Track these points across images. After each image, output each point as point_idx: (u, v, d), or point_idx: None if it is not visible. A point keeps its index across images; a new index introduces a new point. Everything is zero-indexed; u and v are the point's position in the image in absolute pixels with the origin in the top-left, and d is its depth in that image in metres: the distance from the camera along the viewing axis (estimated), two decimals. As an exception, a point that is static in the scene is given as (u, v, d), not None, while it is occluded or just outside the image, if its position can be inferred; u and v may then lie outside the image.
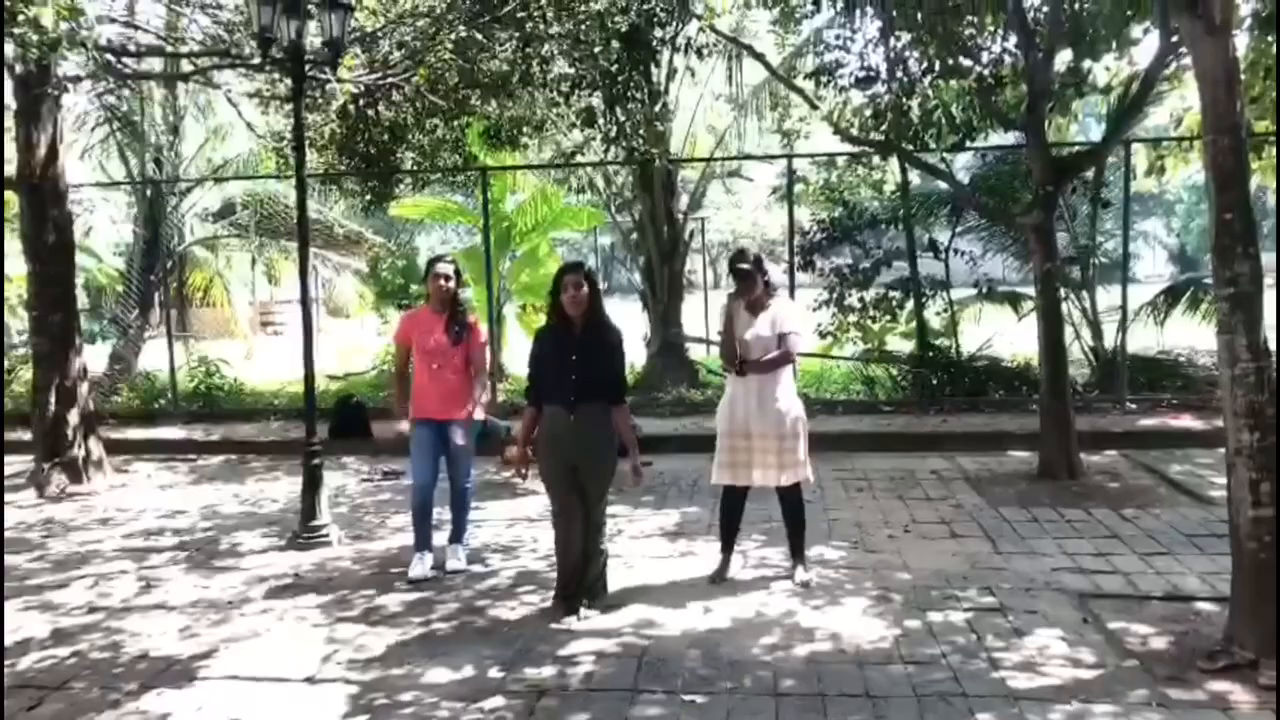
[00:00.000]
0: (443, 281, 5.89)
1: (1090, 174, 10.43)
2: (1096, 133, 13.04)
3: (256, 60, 7.44)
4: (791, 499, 5.52)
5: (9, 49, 7.29)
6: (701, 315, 14.66)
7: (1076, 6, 7.90)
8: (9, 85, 8.48)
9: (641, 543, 6.40)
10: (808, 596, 5.25)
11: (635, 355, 12.44)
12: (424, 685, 4.25)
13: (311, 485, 6.69)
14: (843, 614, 4.98)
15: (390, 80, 9.47)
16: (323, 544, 6.54)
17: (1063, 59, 8.39)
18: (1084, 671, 4.20)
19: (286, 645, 4.83)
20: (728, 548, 5.64)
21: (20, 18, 7.09)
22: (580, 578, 5.06)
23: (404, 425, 5.90)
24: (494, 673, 4.32)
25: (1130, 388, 10.51)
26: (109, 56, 9.12)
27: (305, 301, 7.16)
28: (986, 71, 8.21)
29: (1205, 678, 4.07)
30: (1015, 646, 4.49)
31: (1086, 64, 8.32)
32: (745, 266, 5.34)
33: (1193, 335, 11.44)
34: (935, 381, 11.20)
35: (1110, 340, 10.94)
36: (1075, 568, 5.60)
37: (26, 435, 9.15)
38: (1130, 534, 6.24)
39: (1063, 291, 10.53)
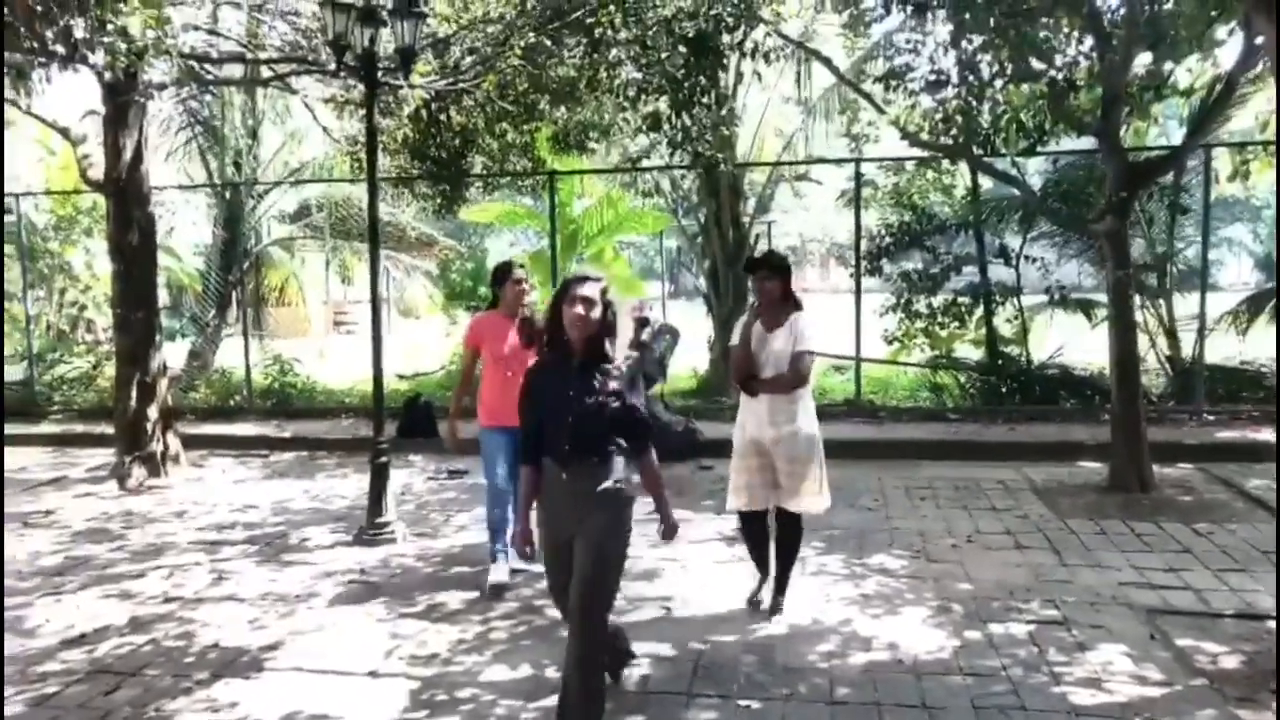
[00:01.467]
0: (525, 286, 5.79)
1: (1168, 179, 10.17)
2: (1178, 136, 12.69)
3: (332, 67, 7.61)
4: (791, 527, 5.08)
5: (99, 57, 7.59)
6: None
7: (1155, 7, 7.71)
8: (99, 92, 8.80)
9: (700, 547, 6.40)
10: (866, 605, 5.22)
11: (699, 359, 12.54)
12: (482, 683, 4.32)
13: (378, 483, 6.84)
14: (901, 623, 4.94)
15: (461, 86, 9.62)
16: (388, 541, 6.68)
17: (1142, 61, 8.20)
18: (1150, 689, 4.12)
19: (350, 639, 4.95)
20: (763, 569, 5.26)
21: (109, 27, 7.38)
22: (561, 712, 3.67)
23: (450, 434, 6.01)
24: (551, 672, 4.37)
25: (1209, 399, 10.22)
26: (192, 63, 9.44)
27: (375, 303, 7.32)
28: (1060, 75, 8.05)
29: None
30: (1078, 661, 4.42)
31: (1167, 66, 8.11)
32: (763, 270, 4.92)
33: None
34: (1004, 390, 11.02)
35: (1188, 350, 10.65)
36: (1144, 582, 5.48)
37: (109, 429, 9.47)
38: (1203, 549, 6.08)
39: (1138, 299, 10.32)
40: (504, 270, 5.88)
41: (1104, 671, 4.30)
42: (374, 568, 6.16)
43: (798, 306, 4.95)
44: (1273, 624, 4.77)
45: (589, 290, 3.63)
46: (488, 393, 5.74)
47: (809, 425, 4.93)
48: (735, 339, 5.02)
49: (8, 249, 13.90)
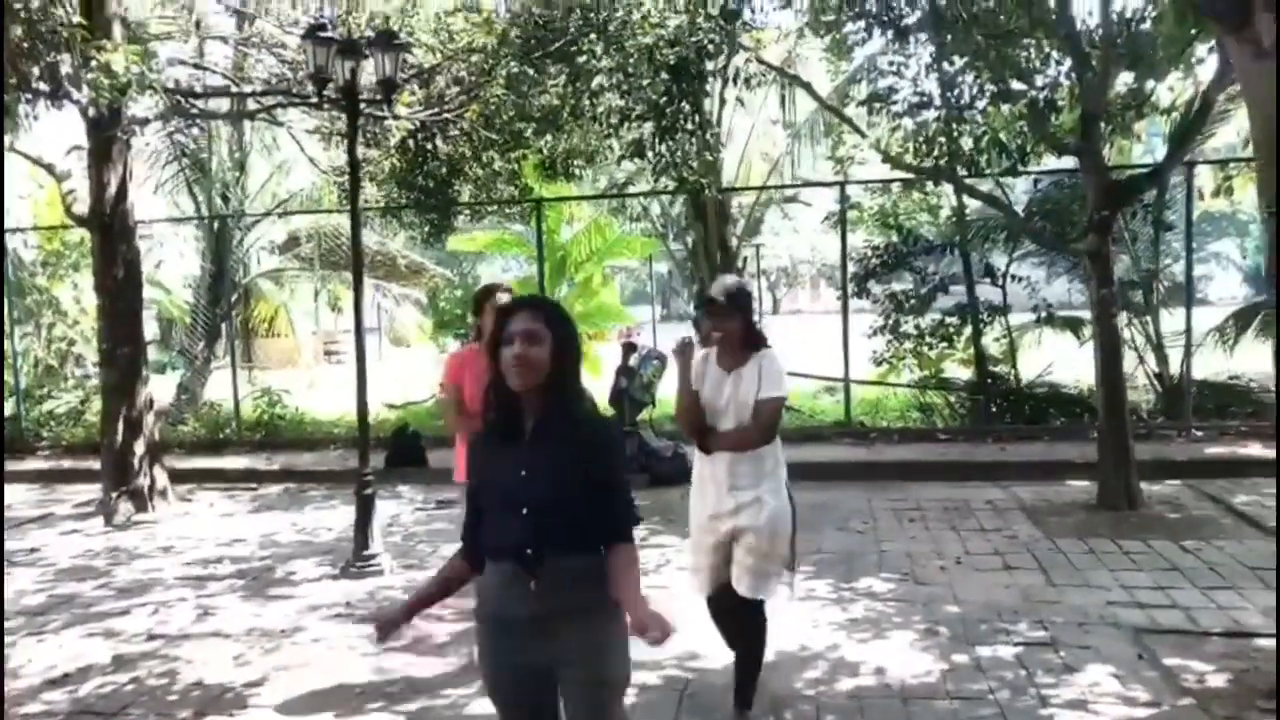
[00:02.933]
0: None
1: (1152, 196, 10.22)
2: (1164, 153, 12.81)
3: (315, 99, 7.65)
4: (749, 619, 4.09)
5: (83, 93, 7.61)
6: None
7: (1133, 27, 7.78)
8: (83, 128, 8.82)
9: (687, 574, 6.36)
10: (853, 629, 5.20)
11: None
12: (468, 716, 4.29)
13: (364, 515, 6.80)
14: (889, 647, 4.92)
15: (446, 115, 9.68)
16: (374, 573, 6.64)
17: (1124, 80, 8.27)
18: (1137, 710, 4.10)
19: (335, 674, 4.91)
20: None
21: (93, 63, 7.42)
22: None
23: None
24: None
25: (1197, 414, 10.23)
26: (178, 97, 9.48)
27: (359, 333, 7.32)
28: (1040, 95, 8.12)
29: (1265, 717, 3.94)
30: (1066, 683, 4.40)
31: (1149, 84, 8.18)
32: (717, 307, 3.92)
33: (1265, 359, 11.11)
34: (994, 409, 11.04)
35: (1176, 365, 10.67)
36: (1131, 601, 5.46)
37: (97, 464, 9.42)
38: (1191, 566, 6.07)
39: (1125, 316, 10.34)
40: (483, 295, 5.12)
41: (1091, 693, 4.28)
42: (360, 601, 6.12)
43: (763, 344, 4.01)
44: (1260, 641, 4.76)
45: (529, 321, 2.54)
46: (461, 441, 4.96)
47: (776, 493, 3.95)
48: (673, 380, 4.07)
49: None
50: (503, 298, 4.64)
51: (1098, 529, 7.02)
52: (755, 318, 4.14)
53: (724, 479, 3.94)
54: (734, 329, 3.94)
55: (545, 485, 2.53)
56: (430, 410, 13.30)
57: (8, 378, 13.15)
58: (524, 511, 2.53)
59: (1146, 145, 13.76)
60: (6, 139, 9.73)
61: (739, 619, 4.08)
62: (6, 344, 13.08)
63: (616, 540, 2.59)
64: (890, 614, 5.43)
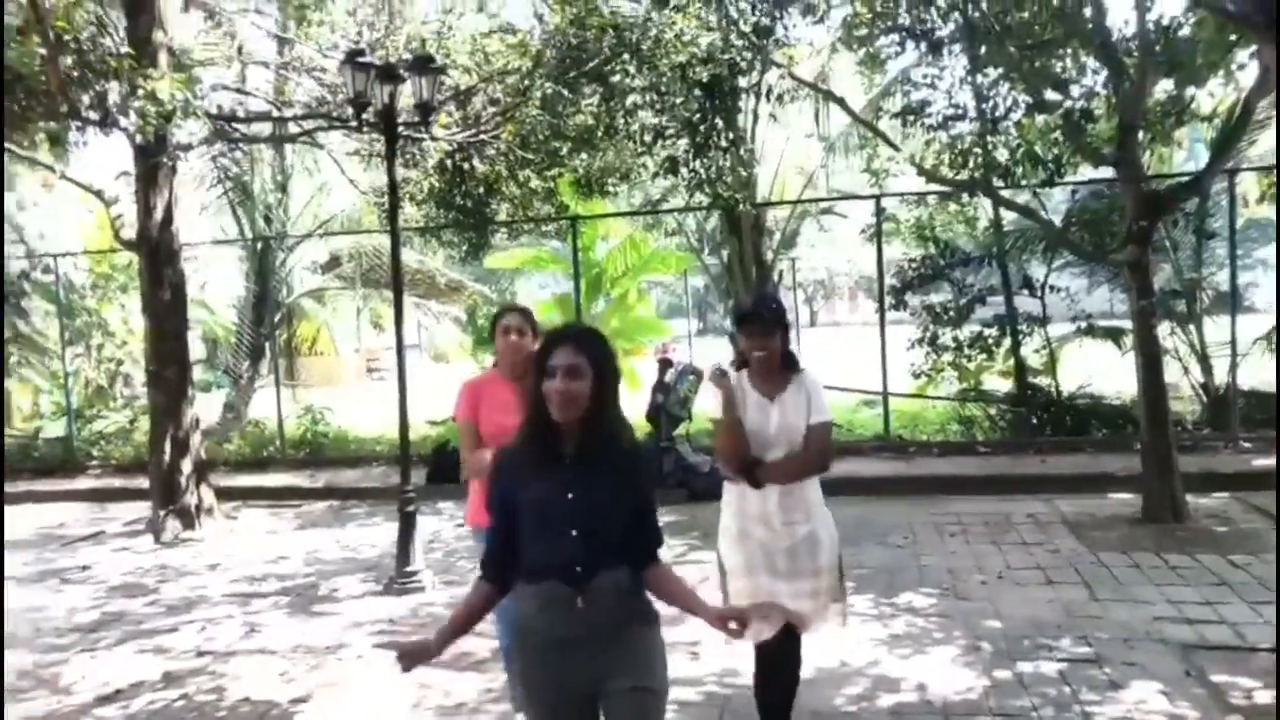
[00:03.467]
0: (514, 336, 4.23)
1: (1194, 204, 10.10)
2: (1207, 160, 12.65)
3: (355, 123, 7.79)
4: (794, 652, 3.86)
5: (130, 121, 7.81)
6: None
7: (1170, 35, 7.72)
8: (130, 154, 9.03)
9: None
10: (894, 645, 5.18)
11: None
12: (508, 732, 4.33)
13: (406, 532, 6.89)
14: (929, 663, 4.90)
15: (482, 136, 9.81)
16: (416, 590, 6.72)
17: (1163, 87, 8.20)
18: (1183, 728, 4.05)
19: (378, 691, 4.98)
20: None
21: (140, 91, 7.62)
22: None
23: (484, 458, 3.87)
24: None
25: (1244, 425, 10.06)
26: (221, 122, 9.69)
27: (400, 351, 7.44)
28: (1077, 106, 8.08)
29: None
30: (1111, 700, 4.36)
31: (1189, 91, 8.10)
32: (758, 323, 3.63)
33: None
34: (1034, 421, 10.93)
35: (1222, 375, 10.51)
36: (1179, 617, 5.39)
37: (145, 483, 9.61)
38: (1240, 581, 5.97)
39: (1168, 326, 10.22)
40: (495, 318, 4.49)
41: (1137, 710, 4.24)
42: (403, 617, 6.20)
43: (798, 367, 3.75)
44: (1310, 657, 4.69)
45: (572, 355, 2.60)
46: (475, 481, 4.32)
47: (828, 523, 3.76)
48: (715, 409, 3.67)
49: (48, 308, 14.24)
50: (512, 319, 4.24)
51: (1142, 543, 6.93)
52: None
53: (775, 514, 3.63)
54: (775, 348, 3.64)
55: (593, 508, 2.61)
56: (470, 427, 13.41)
57: (59, 398, 13.46)
58: (573, 533, 2.60)
59: (1189, 152, 13.61)
60: (57, 167, 9.99)
61: (786, 655, 3.81)
62: (58, 364, 13.39)
63: (653, 558, 2.72)
64: (931, 629, 5.41)
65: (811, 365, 3.79)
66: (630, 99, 8.61)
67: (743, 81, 8.84)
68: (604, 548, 2.61)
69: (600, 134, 9.17)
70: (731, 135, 9.27)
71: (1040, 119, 8.23)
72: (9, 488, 11.66)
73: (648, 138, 8.81)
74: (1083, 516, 7.82)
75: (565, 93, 8.74)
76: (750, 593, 3.64)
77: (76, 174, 10.04)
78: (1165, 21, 7.61)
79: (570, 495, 2.60)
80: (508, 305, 4.60)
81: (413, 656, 2.68)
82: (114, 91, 8.51)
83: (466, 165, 10.53)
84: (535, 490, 2.64)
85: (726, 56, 8.35)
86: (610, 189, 10.74)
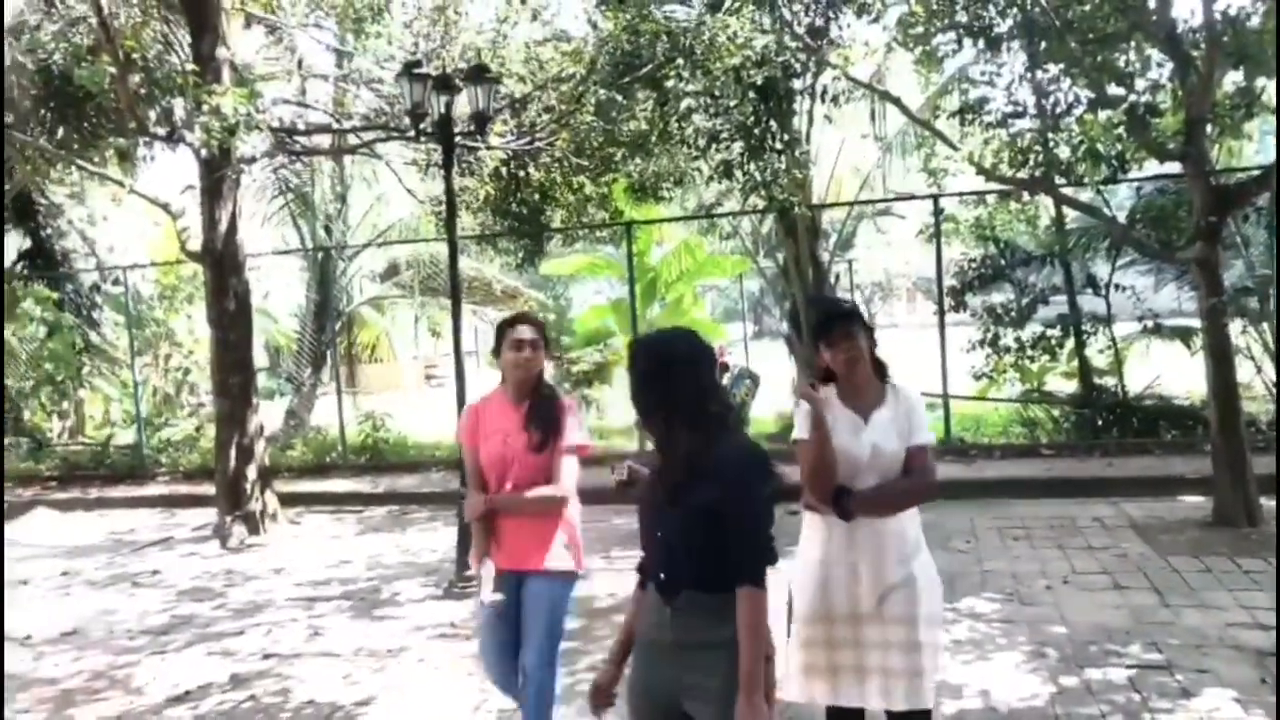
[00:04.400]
0: (527, 352, 3.70)
1: (1266, 199, 9.81)
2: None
3: (412, 134, 7.89)
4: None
5: (196, 135, 8.01)
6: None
7: (1239, 25, 7.51)
8: (196, 168, 9.25)
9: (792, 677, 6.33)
10: (957, 651, 5.10)
11: (783, 401, 12.46)
12: (568, 735, 4.34)
13: (466, 536, 6.95)
14: (993, 670, 4.82)
15: (537, 144, 9.88)
16: (476, 593, 6.75)
17: (1232, 79, 7.99)
18: (1259, 737, 3.93)
19: (440, 693, 5.03)
20: None
21: (205, 107, 7.80)
22: None
23: (484, 575, 3.80)
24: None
25: (1322, 425, 9.75)
26: (282, 135, 9.89)
27: (458, 357, 7.53)
28: (1141, 100, 7.90)
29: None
30: (1182, 708, 4.25)
31: (1259, 82, 7.88)
32: (843, 326, 3.15)
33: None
34: (1100, 423, 10.71)
35: (1297, 375, 10.20)
36: (1253, 623, 5.24)
37: (212, 489, 9.82)
38: (1317, 586, 5.79)
39: (1240, 324, 9.94)
40: (501, 329, 3.85)
41: (1210, 718, 4.12)
42: (463, 620, 6.25)
43: (887, 373, 3.26)
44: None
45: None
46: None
47: (929, 566, 3.20)
48: (801, 429, 3.15)
49: (118, 319, 14.63)
50: (524, 332, 3.70)
51: (1214, 547, 6.74)
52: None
53: (869, 554, 3.09)
54: (862, 352, 3.14)
55: (677, 518, 2.59)
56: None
57: (129, 406, 13.81)
58: (666, 544, 2.63)
59: (1259, 145, 13.24)
60: (126, 182, 10.26)
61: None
62: (128, 374, 13.74)
63: (739, 582, 2.52)
64: (995, 635, 5.32)
65: (906, 381, 3.28)
66: (684, 103, 8.60)
67: (797, 83, 8.80)
68: (690, 561, 2.57)
69: (654, 139, 9.18)
70: (786, 138, 9.21)
71: (1103, 114, 8.04)
72: (82, 494, 12.01)
73: (702, 142, 8.79)
74: (1151, 520, 7.64)
75: (619, 98, 8.76)
76: (825, 641, 3.13)
77: (144, 188, 10.32)
78: (1233, 12, 7.41)
79: (671, 506, 2.60)
80: (518, 314, 3.97)
81: (600, 696, 2.78)
82: (179, 107, 8.74)
83: (522, 173, 10.62)
84: (651, 493, 2.70)
85: (780, 59, 8.31)
86: (665, 194, 10.75)
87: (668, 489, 2.60)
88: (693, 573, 2.57)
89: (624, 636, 2.78)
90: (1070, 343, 11.05)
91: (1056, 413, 11.25)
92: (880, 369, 3.22)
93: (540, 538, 3.73)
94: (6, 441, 12.76)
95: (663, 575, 2.61)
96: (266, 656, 5.80)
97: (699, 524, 2.53)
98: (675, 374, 2.63)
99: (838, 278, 13.58)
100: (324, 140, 11.96)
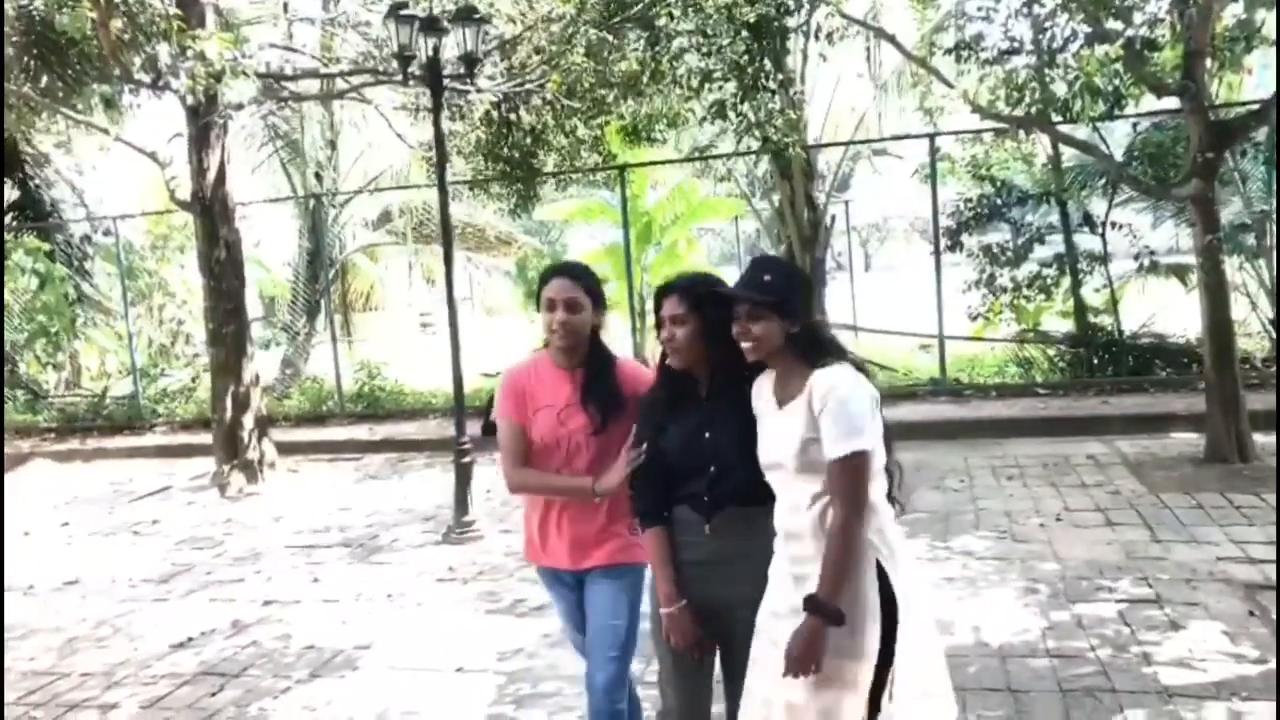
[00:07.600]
0: (561, 314, 3.02)
1: (1264, 134, 9.73)
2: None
3: (400, 77, 7.77)
4: None
5: (181, 82, 7.88)
6: (849, 300, 14.51)
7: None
8: (182, 115, 9.13)
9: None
10: (949, 588, 5.15)
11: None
12: (565, 676, 4.39)
13: (463, 483, 6.99)
14: (986, 606, 4.87)
15: (528, 86, 9.74)
16: (474, 539, 6.83)
17: (1232, 11, 7.87)
18: (1246, 667, 3.99)
19: (438, 637, 5.08)
20: None
21: (189, 52, 7.67)
22: None
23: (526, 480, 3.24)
24: (636, 665, 4.42)
25: (1316, 361, 9.76)
26: (269, 81, 9.74)
27: (451, 305, 7.49)
28: (1139, 34, 7.78)
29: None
30: (1171, 640, 4.30)
31: (1260, 15, 7.76)
32: (751, 295, 2.57)
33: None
34: (1095, 362, 10.72)
35: (1292, 311, 10.20)
36: (1243, 557, 5.29)
37: (209, 439, 9.85)
38: (1308, 520, 5.84)
39: (1236, 260, 9.91)
40: (543, 279, 3.16)
41: (1198, 650, 4.18)
42: (460, 566, 6.30)
43: (830, 354, 2.57)
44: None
45: (674, 306, 2.72)
46: (528, 505, 3.34)
47: (868, 592, 2.47)
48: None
49: (110, 269, 14.55)
50: (562, 287, 3.03)
51: (1206, 483, 6.79)
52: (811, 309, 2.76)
53: (784, 564, 2.60)
54: (763, 335, 2.53)
55: (726, 446, 2.71)
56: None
57: (125, 358, 13.79)
58: (710, 469, 2.72)
59: (1258, 79, 13.09)
60: (113, 130, 10.14)
61: None
62: (123, 325, 13.70)
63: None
64: (988, 572, 5.37)
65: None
66: (676, 43, 8.47)
67: (791, 21, 8.62)
68: (734, 484, 2.70)
69: (646, 80, 9.05)
70: (780, 77, 9.09)
71: (1100, 49, 7.92)
72: (80, 445, 12.05)
73: (695, 82, 8.66)
74: (1144, 457, 7.69)
75: (610, 39, 8.64)
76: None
77: (132, 137, 10.18)
78: (1234, -59, 7.29)
79: (707, 435, 2.74)
80: (559, 265, 3.25)
81: (680, 633, 2.78)
82: (164, 53, 8.59)
83: (513, 116, 10.49)
84: (674, 433, 2.79)
85: (773, -4, 8.17)
86: (658, 136, 10.63)
87: (715, 417, 2.73)
88: (742, 493, 2.68)
89: (671, 571, 2.78)
90: (1066, 282, 11.03)
91: (1052, 352, 11.25)
92: (815, 349, 2.57)
93: (608, 527, 3.09)
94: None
95: (706, 497, 2.72)
96: (267, 603, 5.86)
97: (749, 448, 2.64)
98: (712, 310, 2.69)
99: (834, 219, 13.49)
100: (312, 85, 11.79)
